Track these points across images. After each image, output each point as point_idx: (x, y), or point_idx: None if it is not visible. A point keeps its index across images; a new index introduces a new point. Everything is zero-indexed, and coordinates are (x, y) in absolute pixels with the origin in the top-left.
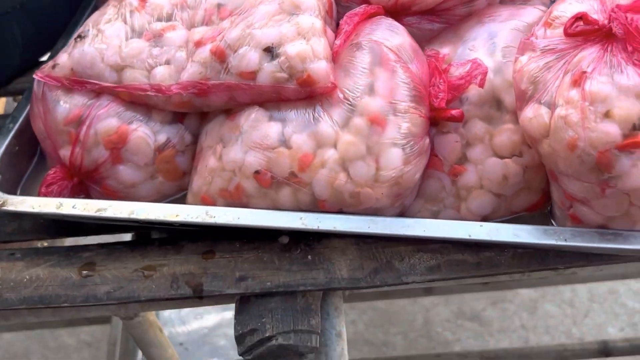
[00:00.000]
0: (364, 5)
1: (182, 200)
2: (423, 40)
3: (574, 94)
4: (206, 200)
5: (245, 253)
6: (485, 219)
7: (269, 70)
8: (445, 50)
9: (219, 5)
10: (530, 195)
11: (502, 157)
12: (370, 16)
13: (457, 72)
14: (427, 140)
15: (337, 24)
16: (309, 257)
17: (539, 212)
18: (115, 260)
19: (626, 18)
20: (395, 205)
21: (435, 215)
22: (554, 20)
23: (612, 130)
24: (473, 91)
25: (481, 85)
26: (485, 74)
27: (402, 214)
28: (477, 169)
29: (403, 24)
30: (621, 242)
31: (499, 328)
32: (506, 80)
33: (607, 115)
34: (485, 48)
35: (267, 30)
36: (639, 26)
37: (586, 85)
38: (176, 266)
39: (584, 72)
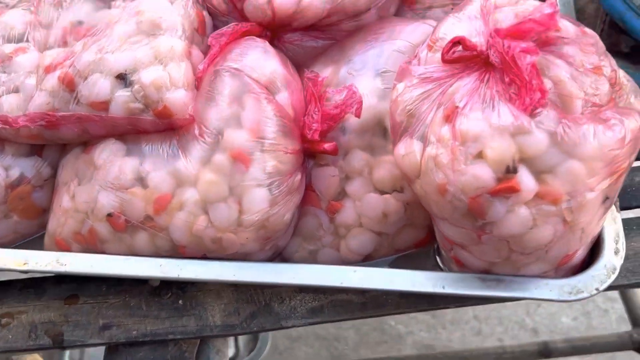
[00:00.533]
0: (233, 24)
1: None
2: (308, 57)
3: (446, 131)
4: (61, 245)
5: (111, 298)
6: (367, 258)
7: (121, 101)
8: (327, 72)
9: (77, 24)
10: (415, 232)
11: (382, 193)
12: (241, 36)
13: (334, 98)
14: (299, 177)
15: None
16: (180, 301)
17: (428, 246)
18: None
19: (503, 45)
20: (266, 249)
21: (313, 255)
22: (435, 43)
23: (483, 174)
24: (354, 119)
25: (357, 115)
26: (360, 103)
27: (278, 254)
28: (356, 205)
29: (283, 42)
30: (503, 290)
31: (451, 320)
32: None
33: (479, 156)
34: (368, 71)
35: (121, 54)
36: (516, 55)
37: (457, 123)
38: (36, 313)
39: (456, 107)
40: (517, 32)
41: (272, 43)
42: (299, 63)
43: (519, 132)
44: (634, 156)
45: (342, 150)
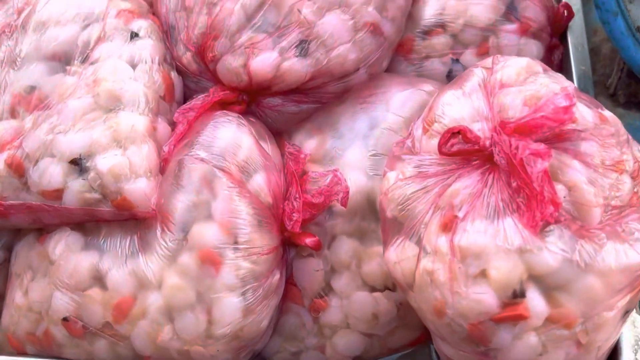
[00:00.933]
0: (202, 95)
1: None
2: (290, 123)
3: (443, 243)
4: (14, 344)
5: None
6: (357, 359)
7: (76, 190)
8: (311, 144)
9: (29, 90)
10: (409, 332)
11: (372, 290)
12: (212, 107)
13: (317, 183)
14: (277, 277)
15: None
16: None
17: (426, 342)
18: None
19: (510, 145)
20: (241, 357)
21: (296, 357)
22: (430, 125)
23: (486, 299)
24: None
25: (343, 204)
26: (347, 192)
27: (256, 355)
28: (342, 304)
29: (262, 107)
30: None
31: None
32: None
33: (481, 275)
34: (356, 148)
35: (75, 136)
36: (525, 159)
37: (456, 236)
38: None
39: (455, 217)
40: (526, 128)
41: (249, 108)
42: (279, 130)
43: (528, 251)
44: None
45: (328, 237)
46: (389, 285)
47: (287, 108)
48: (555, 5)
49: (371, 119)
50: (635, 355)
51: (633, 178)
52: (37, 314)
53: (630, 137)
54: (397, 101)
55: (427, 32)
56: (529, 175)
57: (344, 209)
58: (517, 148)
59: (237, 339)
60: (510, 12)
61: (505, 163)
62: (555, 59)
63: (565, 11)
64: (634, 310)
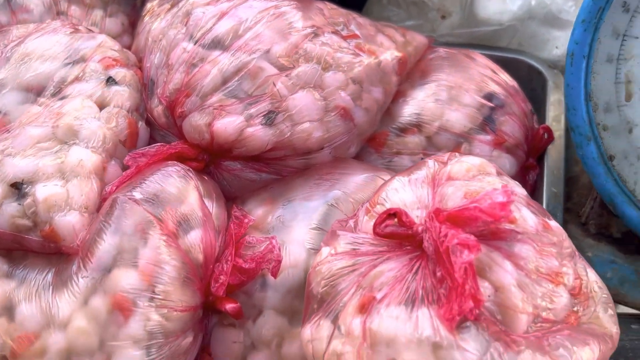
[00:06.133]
0: (158, 144)
1: None
2: (246, 190)
3: (357, 324)
4: None
5: None
6: None
7: (8, 213)
8: (258, 212)
9: None
10: None
11: None
12: (166, 158)
13: (252, 249)
14: (189, 339)
15: None
16: None
17: None
18: None
19: (440, 232)
20: None
21: None
22: (373, 208)
23: None
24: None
25: (273, 275)
26: (278, 262)
27: None
28: None
29: (220, 169)
30: None
31: None
32: None
33: None
34: (301, 222)
35: (22, 160)
36: (451, 248)
37: (370, 319)
38: None
39: (374, 298)
40: (459, 219)
41: (207, 168)
42: (233, 195)
43: (441, 347)
44: None
45: (255, 310)
46: None
47: (245, 174)
48: (535, 126)
49: (323, 196)
50: None
51: (573, 295)
52: None
53: (577, 253)
54: (351, 182)
55: (403, 130)
56: (452, 265)
57: (279, 283)
58: (445, 235)
59: None
60: (486, 123)
61: (433, 250)
62: (530, 179)
63: (546, 134)
64: None
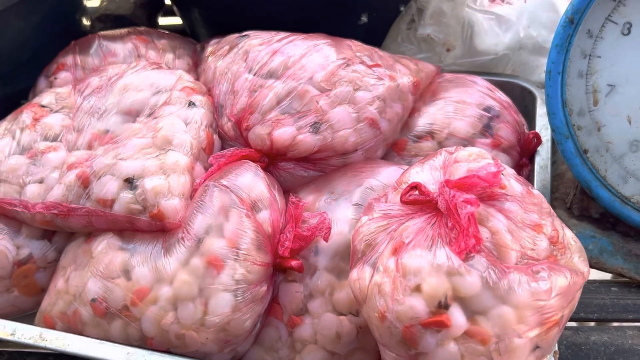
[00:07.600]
0: (234, 148)
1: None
2: (297, 184)
3: (392, 263)
4: (47, 322)
5: None
6: None
7: (124, 200)
8: (309, 199)
9: (104, 132)
10: (366, 356)
11: (339, 314)
12: (239, 159)
13: (309, 222)
14: (264, 288)
15: None
16: None
17: None
18: None
19: (450, 194)
20: (225, 352)
21: None
22: (399, 186)
23: (417, 305)
24: (327, 242)
25: (325, 239)
26: (329, 229)
27: (237, 359)
28: (314, 322)
29: (278, 168)
30: None
31: None
32: None
33: (416, 289)
34: (343, 202)
35: (132, 162)
36: (458, 204)
37: (401, 257)
38: None
39: (403, 243)
40: (464, 185)
41: (267, 168)
42: (288, 188)
43: (453, 273)
44: (566, 311)
45: (311, 269)
46: (352, 311)
47: (297, 172)
48: (526, 132)
49: (359, 184)
50: None
51: (552, 243)
52: (72, 296)
53: (554, 213)
54: (382, 172)
55: (419, 137)
56: (459, 216)
57: (327, 249)
58: (454, 196)
59: (223, 331)
60: (486, 129)
61: (445, 207)
62: (524, 175)
63: (535, 138)
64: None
